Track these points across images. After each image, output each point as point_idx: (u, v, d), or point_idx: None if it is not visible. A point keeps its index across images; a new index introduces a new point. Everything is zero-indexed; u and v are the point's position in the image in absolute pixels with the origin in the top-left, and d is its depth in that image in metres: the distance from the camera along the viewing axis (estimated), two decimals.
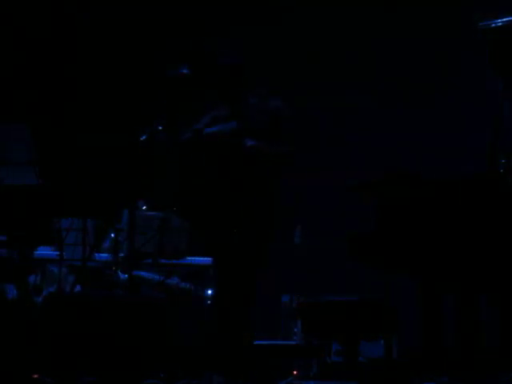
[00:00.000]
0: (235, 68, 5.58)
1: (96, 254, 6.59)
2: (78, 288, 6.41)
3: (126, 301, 5.79)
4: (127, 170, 6.02)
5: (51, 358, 5.37)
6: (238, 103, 5.61)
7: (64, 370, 5.33)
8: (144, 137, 5.82)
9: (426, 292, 4.59)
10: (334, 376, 6.49)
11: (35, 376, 5.28)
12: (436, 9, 7.75)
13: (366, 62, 7.91)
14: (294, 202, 7.06)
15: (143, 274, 6.67)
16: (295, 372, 6.64)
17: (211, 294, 6.56)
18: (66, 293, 6.33)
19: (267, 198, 5.47)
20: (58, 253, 6.35)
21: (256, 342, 5.84)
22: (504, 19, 4.49)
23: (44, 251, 6.60)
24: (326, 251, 7.38)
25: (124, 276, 6.51)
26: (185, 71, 5.63)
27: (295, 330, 6.97)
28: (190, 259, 6.84)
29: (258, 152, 5.46)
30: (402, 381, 5.45)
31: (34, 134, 5.74)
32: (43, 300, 6.06)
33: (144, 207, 6.76)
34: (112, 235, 6.56)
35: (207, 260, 6.72)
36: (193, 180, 5.95)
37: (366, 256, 4.61)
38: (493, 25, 4.50)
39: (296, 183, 6.93)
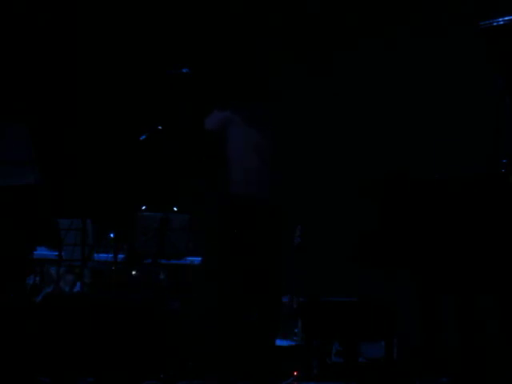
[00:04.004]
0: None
1: (95, 254, 6.59)
2: (77, 288, 6.41)
3: (124, 301, 5.79)
4: (127, 170, 6.01)
5: (50, 359, 5.36)
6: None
7: (62, 371, 5.32)
8: (144, 137, 5.81)
9: (426, 292, 4.58)
10: (335, 376, 6.48)
11: (33, 377, 5.28)
12: (436, 9, 7.74)
13: (365, 62, 7.90)
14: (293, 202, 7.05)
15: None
16: (295, 372, 6.62)
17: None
18: (65, 293, 6.33)
19: None
20: (57, 253, 6.34)
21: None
22: (505, 18, 4.49)
23: (43, 251, 6.60)
24: (326, 251, 7.37)
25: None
26: (185, 71, 5.62)
27: (295, 330, 6.96)
28: (190, 259, 6.84)
29: None
30: (402, 381, 5.45)
31: (33, 133, 5.74)
32: (42, 300, 6.06)
33: (144, 207, 6.76)
34: (111, 235, 6.56)
35: None
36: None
37: (368, 257, 4.60)
38: (494, 23, 4.49)
39: (296, 183, 6.93)
